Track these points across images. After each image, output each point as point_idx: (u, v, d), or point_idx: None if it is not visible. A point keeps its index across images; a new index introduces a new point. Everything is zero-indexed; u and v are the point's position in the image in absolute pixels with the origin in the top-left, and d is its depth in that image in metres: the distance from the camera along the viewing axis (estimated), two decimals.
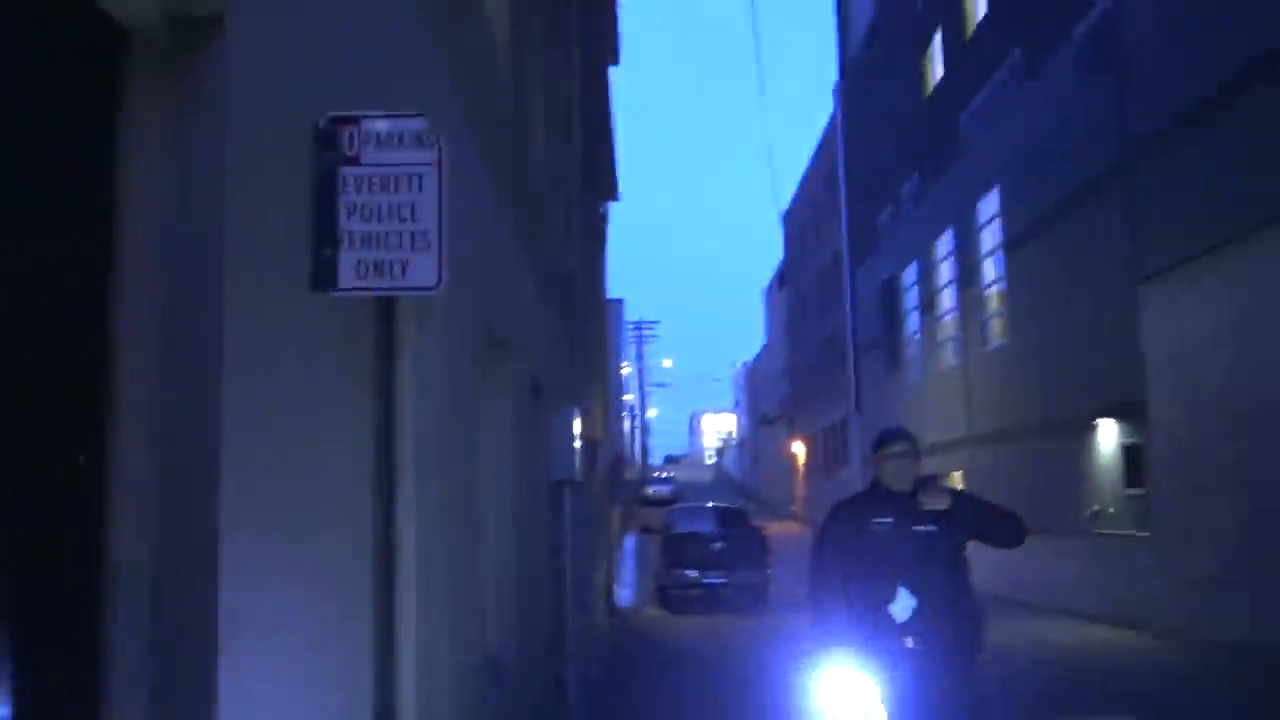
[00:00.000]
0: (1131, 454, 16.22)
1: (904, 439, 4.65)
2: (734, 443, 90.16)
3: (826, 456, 41.04)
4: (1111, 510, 16.75)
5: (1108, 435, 17.03)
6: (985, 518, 4.57)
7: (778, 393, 57.19)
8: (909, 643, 4.34)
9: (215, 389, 2.20)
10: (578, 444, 9.22)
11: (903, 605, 4.34)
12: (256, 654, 2.37)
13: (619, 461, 39.72)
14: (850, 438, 35.79)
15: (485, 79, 5.57)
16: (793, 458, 48.96)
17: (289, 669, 2.63)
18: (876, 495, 4.63)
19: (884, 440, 4.66)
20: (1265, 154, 12.14)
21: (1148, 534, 14.86)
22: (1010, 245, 20.86)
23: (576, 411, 9.36)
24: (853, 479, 34.99)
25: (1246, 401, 12.53)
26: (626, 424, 56.84)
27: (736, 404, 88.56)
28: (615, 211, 19.93)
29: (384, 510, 3.75)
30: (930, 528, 4.45)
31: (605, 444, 16.66)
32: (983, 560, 4.83)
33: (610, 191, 19.55)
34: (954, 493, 4.59)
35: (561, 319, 10.94)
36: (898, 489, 4.54)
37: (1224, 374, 13.02)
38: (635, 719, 9.00)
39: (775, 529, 28.42)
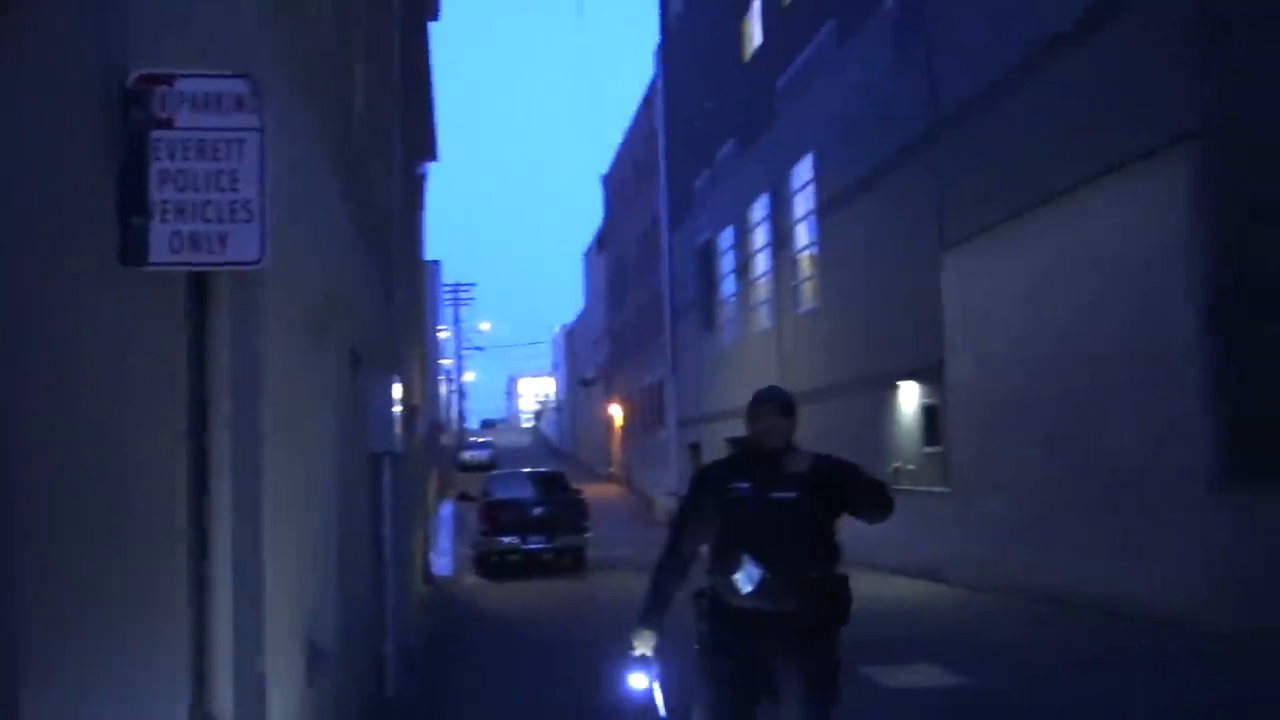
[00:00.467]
0: (931, 414, 17.05)
1: (779, 398, 4.34)
2: (552, 406, 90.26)
3: (644, 418, 41.54)
4: (912, 467, 17.59)
5: (909, 396, 17.84)
6: (850, 486, 4.28)
7: (596, 355, 57.48)
8: (749, 606, 4.11)
9: (10, 374, 1.95)
10: (398, 413, 8.94)
11: (746, 575, 4.08)
12: (59, 651, 2.15)
13: (436, 427, 39.07)
14: (667, 400, 36.31)
15: (308, 35, 5.23)
16: (610, 420, 49.38)
17: (94, 665, 2.40)
18: (743, 459, 4.35)
19: (758, 400, 4.35)
20: (1058, 127, 12.84)
21: (948, 489, 15.67)
22: (823, 211, 21.47)
23: (397, 379, 9.07)
24: (669, 441, 35.56)
25: (1031, 363, 13.32)
26: (443, 388, 55.96)
27: (555, 367, 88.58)
28: (433, 172, 19.43)
29: (198, 499, 3.49)
30: (789, 494, 4.14)
31: (423, 409, 16.29)
32: None
33: (429, 152, 19.00)
34: (817, 456, 4.28)
35: (380, 284, 10.56)
36: (768, 448, 4.22)
37: (1011, 337, 13.80)
38: (460, 697, 8.86)
39: (594, 491, 28.60)
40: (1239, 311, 10.13)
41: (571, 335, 70.94)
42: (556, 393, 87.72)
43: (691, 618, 4.34)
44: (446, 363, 59.28)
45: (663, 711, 4.23)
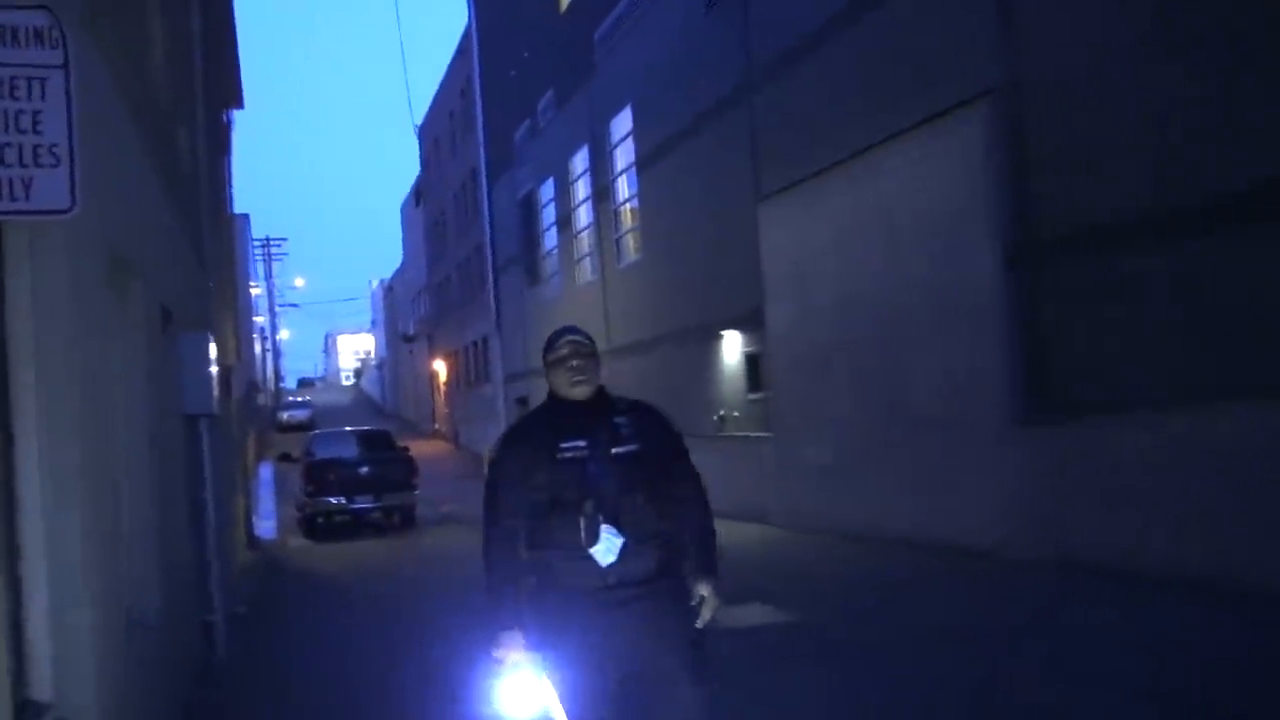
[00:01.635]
0: (752, 362, 17.53)
1: (576, 334, 3.78)
2: (373, 363, 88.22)
3: (469, 374, 41.14)
4: (736, 414, 18.08)
5: (732, 345, 18.28)
6: (675, 460, 3.84)
7: (417, 311, 56.42)
8: (611, 580, 3.56)
9: None
10: (214, 372, 8.57)
11: (607, 546, 3.55)
12: None
13: (252, 387, 37.61)
14: (491, 354, 36.04)
15: None
16: (434, 376, 48.70)
17: None
18: (559, 413, 3.74)
19: (553, 342, 3.78)
20: (866, 82, 13.29)
21: (769, 434, 16.17)
22: (642, 163, 21.60)
23: (210, 338, 8.68)
24: (495, 396, 35.37)
25: (843, 311, 13.86)
26: (258, 347, 53.87)
27: (374, 323, 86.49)
28: (241, 121, 18.51)
29: (2, 466, 3.27)
30: (632, 447, 3.67)
31: (238, 369, 15.67)
32: None
33: (234, 99, 18.10)
34: (635, 402, 3.90)
35: (189, 238, 10.04)
36: (578, 397, 3.70)
37: (824, 286, 14.30)
38: (290, 660, 8.66)
39: (420, 449, 28.23)
40: (1034, 259, 10.78)
41: (390, 290, 69.38)
42: (376, 349, 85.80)
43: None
44: (260, 320, 57.09)
45: (563, 716, 3.59)
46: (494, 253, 35.35)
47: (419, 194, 52.65)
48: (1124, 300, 9.76)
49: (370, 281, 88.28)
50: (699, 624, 3.73)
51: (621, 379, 23.58)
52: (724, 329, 18.27)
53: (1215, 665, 6.47)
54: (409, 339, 56.76)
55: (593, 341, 3.81)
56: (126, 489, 5.70)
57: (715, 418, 18.43)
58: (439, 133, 45.20)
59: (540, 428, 3.79)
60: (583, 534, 3.56)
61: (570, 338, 3.77)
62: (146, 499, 5.85)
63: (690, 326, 19.38)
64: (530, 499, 3.66)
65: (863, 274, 13.42)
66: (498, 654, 3.62)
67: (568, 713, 3.59)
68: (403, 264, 63.06)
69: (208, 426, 8.44)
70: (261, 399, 48.95)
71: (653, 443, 3.76)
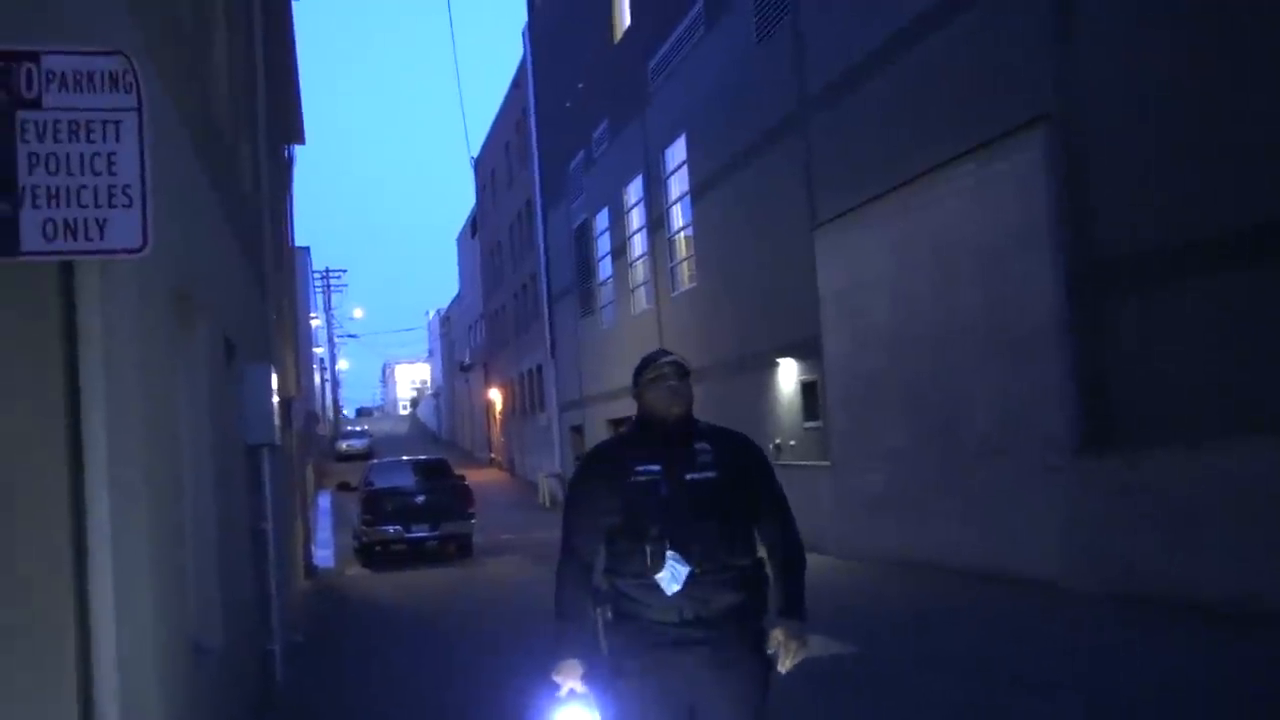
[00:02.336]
0: (809, 390, 17.42)
1: (670, 358, 3.69)
2: (429, 392, 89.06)
3: (523, 403, 41.35)
4: (793, 443, 17.96)
5: (788, 373, 18.19)
6: (762, 482, 3.71)
7: (473, 340, 56.91)
8: (686, 614, 3.47)
9: None
10: (275, 403, 8.71)
11: (672, 574, 3.45)
12: None
13: (312, 417, 38.17)
14: (546, 383, 36.21)
15: (162, 9, 5.01)
16: (490, 405, 49.00)
17: None
18: (642, 437, 3.67)
19: (646, 364, 3.70)
20: (920, 108, 13.23)
21: (827, 463, 16.05)
22: (696, 192, 21.66)
23: (272, 370, 8.83)
24: (550, 424, 35.49)
25: (899, 340, 13.74)
26: (317, 377, 54.66)
27: (431, 353, 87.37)
28: (301, 155, 18.93)
29: (75, 499, 3.34)
30: (710, 474, 3.55)
31: (299, 400, 15.90)
32: None
33: (296, 134, 18.48)
34: (719, 428, 3.80)
35: (251, 271, 10.24)
36: (676, 415, 3.61)
37: (881, 314, 14.19)
38: (348, 690, 8.71)
39: (476, 477, 28.37)
40: (1094, 285, 10.62)
41: (447, 321, 70.08)
42: (433, 379, 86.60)
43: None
44: (319, 351, 57.98)
45: None
46: (549, 282, 35.58)
47: (475, 225, 53.24)
48: (1187, 327, 9.56)
49: (427, 312, 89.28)
50: (782, 669, 3.61)
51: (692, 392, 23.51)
52: (780, 357, 18.18)
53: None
54: (465, 368, 57.23)
55: (688, 367, 3.73)
56: (191, 520, 5.80)
57: (771, 446, 18.32)
58: (495, 164, 45.72)
59: (619, 450, 3.73)
60: (648, 559, 3.47)
61: (670, 357, 3.71)
62: (211, 529, 5.94)
63: (746, 355, 19.33)
64: (605, 523, 3.60)
65: (918, 302, 13.30)
66: (556, 679, 3.57)
67: None
68: (459, 294, 63.70)
69: (269, 456, 8.55)
70: (320, 428, 49.62)
71: (734, 472, 3.61)
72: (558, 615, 3.63)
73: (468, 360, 56.90)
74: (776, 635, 3.62)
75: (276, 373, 11.75)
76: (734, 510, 3.58)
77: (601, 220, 29.51)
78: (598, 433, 29.33)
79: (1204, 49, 9.32)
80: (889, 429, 13.99)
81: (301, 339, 37.00)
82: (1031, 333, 11.21)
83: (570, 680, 3.56)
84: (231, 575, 6.70)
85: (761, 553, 3.73)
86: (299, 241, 26.37)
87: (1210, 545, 8.94)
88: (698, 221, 21.87)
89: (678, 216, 23.44)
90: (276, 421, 8.66)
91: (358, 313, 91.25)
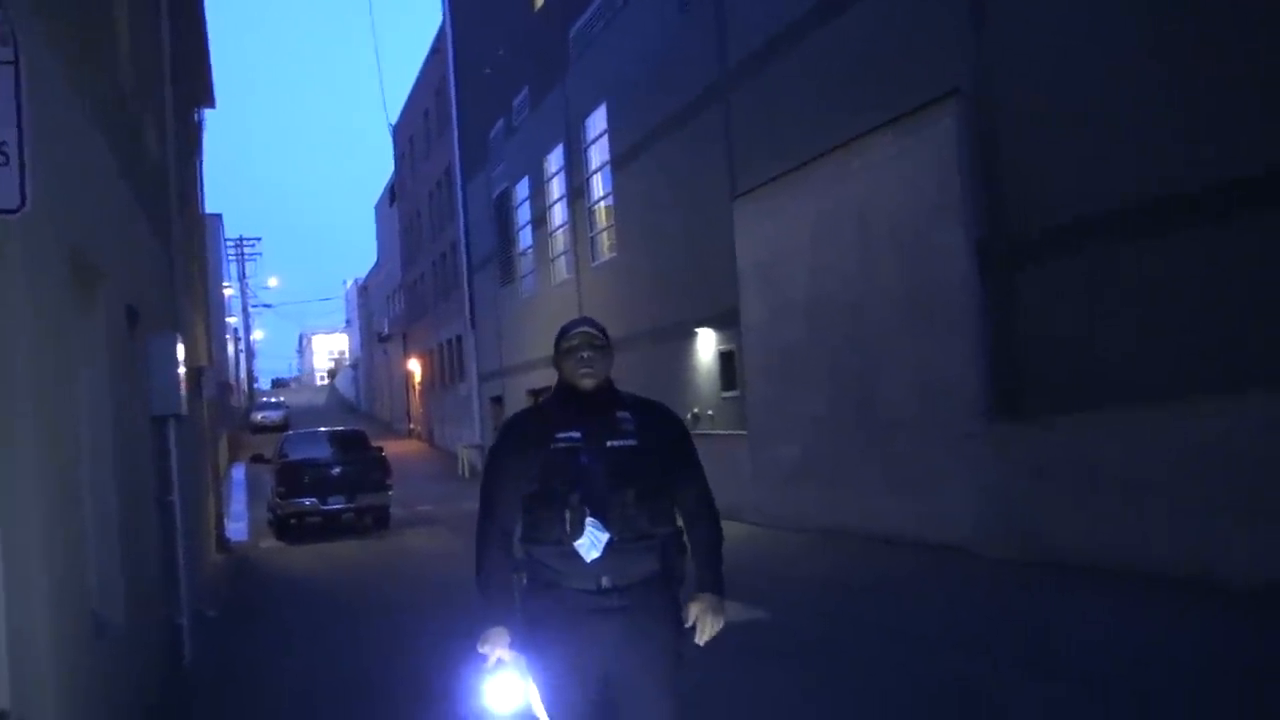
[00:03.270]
0: (727, 360, 17.54)
1: (590, 326, 3.63)
2: (347, 363, 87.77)
3: (443, 373, 40.99)
4: (711, 412, 18.08)
5: (707, 343, 18.27)
6: (679, 454, 3.67)
7: (392, 310, 56.17)
8: (604, 582, 3.46)
9: None
10: (181, 373, 8.48)
11: (591, 541, 3.43)
12: None
13: (225, 388, 37.34)
14: (466, 354, 35.92)
15: None
16: (409, 376, 48.48)
17: None
18: (562, 404, 3.63)
19: (565, 331, 3.65)
20: (838, 81, 13.32)
21: (744, 433, 16.18)
22: (617, 162, 21.58)
23: (178, 339, 8.59)
24: (469, 395, 35.25)
25: (815, 310, 13.88)
26: (231, 348, 53.47)
27: (348, 323, 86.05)
28: (212, 121, 18.35)
29: None
30: (630, 442, 3.53)
31: (210, 370, 15.51)
32: None
33: (205, 98, 17.93)
34: (637, 397, 3.74)
35: (157, 238, 9.93)
36: (585, 388, 3.58)
37: (798, 285, 14.31)
38: (259, 664, 8.58)
39: (395, 449, 28.07)
40: (1006, 256, 10.83)
41: (365, 290, 69.04)
42: (351, 349, 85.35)
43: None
44: (233, 320, 56.70)
45: (544, 717, 3.51)
46: (468, 252, 35.22)
47: (394, 193, 52.42)
48: (1096, 297, 9.82)
49: (345, 281, 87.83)
50: (699, 641, 3.65)
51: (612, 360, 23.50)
52: (699, 327, 18.26)
53: (1182, 662, 6.52)
54: (383, 338, 56.52)
55: (606, 335, 3.66)
56: (90, 492, 5.63)
57: (690, 415, 18.42)
58: (414, 131, 44.99)
59: (540, 417, 3.66)
60: (567, 526, 3.44)
61: (583, 329, 3.62)
62: (112, 501, 5.77)
63: (666, 325, 19.37)
64: (524, 490, 3.55)
65: (835, 272, 13.44)
66: (483, 649, 3.53)
67: (549, 714, 3.53)
68: (377, 263, 62.78)
69: (175, 427, 8.34)
70: (234, 400, 48.61)
71: (654, 441, 3.58)
72: (479, 584, 3.58)
73: (386, 330, 56.19)
74: (694, 607, 3.64)
75: (184, 342, 11.44)
76: (653, 479, 3.55)
77: (522, 189, 29.26)
78: (517, 403, 29.17)
79: (1108, 25, 9.51)
80: (808, 398, 14.14)
81: (214, 308, 36.14)
82: (946, 303, 11.41)
83: (497, 649, 3.52)
84: (134, 548, 6.54)
85: (680, 522, 3.72)
86: (210, 209, 25.66)
87: (1117, 509, 9.22)
88: (618, 191, 21.80)
89: (598, 186, 23.34)
90: (183, 392, 8.43)
91: (272, 281, 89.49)
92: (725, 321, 16.97)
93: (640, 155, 20.13)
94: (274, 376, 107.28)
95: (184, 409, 8.38)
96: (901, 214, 12.10)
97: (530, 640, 3.55)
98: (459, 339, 37.31)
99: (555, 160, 26.05)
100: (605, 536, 3.43)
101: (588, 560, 3.45)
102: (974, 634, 7.75)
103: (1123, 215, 9.44)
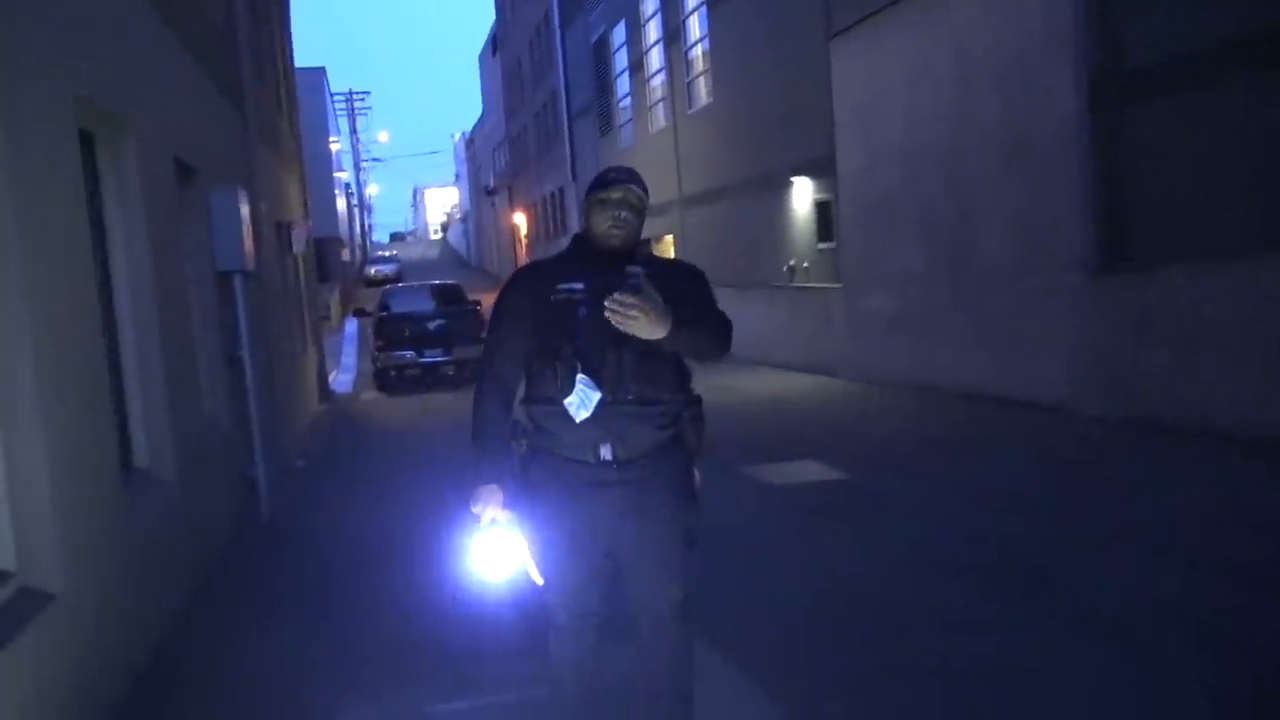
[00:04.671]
0: (823, 210, 16.89)
1: (631, 183, 3.26)
2: (458, 217, 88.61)
3: (548, 227, 40.92)
4: (807, 265, 17.55)
5: (803, 192, 17.61)
6: (699, 301, 3.30)
7: (497, 163, 56.04)
8: (603, 453, 3.19)
9: None
10: (246, 228, 8.41)
11: (581, 399, 3.15)
12: None
13: (333, 242, 38.01)
14: (568, 206, 35.67)
15: None
16: (514, 229, 48.59)
17: None
18: (575, 255, 3.35)
19: (603, 182, 3.29)
20: None
21: (839, 285, 15.68)
22: (712, 1, 20.60)
23: (241, 193, 8.49)
24: None
25: (912, 156, 13.11)
26: (342, 203, 54.29)
27: (458, 177, 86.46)
28: None
29: None
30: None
31: (301, 225, 15.58)
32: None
33: None
34: (661, 258, 3.41)
35: (226, 95, 9.80)
36: (612, 246, 3.25)
37: (894, 129, 13.51)
38: (337, 516, 8.72)
39: None
40: (1116, 96, 9.93)
41: (472, 143, 68.98)
42: (460, 203, 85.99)
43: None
44: (343, 176, 57.38)
45: (539, 579, 3.32)
46: (568, 101, 34.58)
47: (495, 42, 51.60)
48: (1209, 141, 8.95)
49: (452, 135, 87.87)
50: (607, 305, 3.03)
51: (693, 228, 23.10)
52: (795, 175, 17.58)
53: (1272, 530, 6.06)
54: (490, 192, 56.62)
55: (647, 196, 3.31)
56: (131, 347, 5.61)
57: (785, 268, 17.94)
58: None
59: (548, 268, 3.39)
60: (557, 381, 3.15)
61: (629, 185, 3.25)
62: (155, 357, 5.75)
63: (761, 174, 18.72)
64: (526, 344, 3.27)
65: (932, 115, 12.62)
66: (475, 508, 3.29)
67: (544, 578, 3.34)
68: (482, 116, 62.42)
69: (243, 283, 8.32)
70: (346, 254, 49.58)
71: (666, 297, 3.08)
72: (475, 439, 3.34)
73: (492, 184, 56.21)
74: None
75: (264, 197, 11.44)
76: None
77: (619, 34, 28.36)
78: None
79: None
80: (901, 248, 13.53)
81: (319, 161, 36.48)
82: (1047, 147, 10.60)
83: (491, 508, 3.29)
84: (190, 405, 6.57)
85: (696, 391, 3.39)
86: (313, 62, 25.51)
87: (1223, 368, 8.60)
88: (714, 33, 20.88)
89: (694, 28, 22.39)
90: (249, 247, 8.37)
91: (383, 136, 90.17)
92: (822, 169, 16.27)
93: None
94: (392, 231, 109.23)
95: (250, 264, 8.34)
96: (1004, 48, 11.18)
97: (527, 506, 3.32)
98: (561, 191, 37.04)
99: (651, 2, 25.05)
100: (596, 395, 3.13)
101: (577, 420, 3.15)
102: (1059, 493, 7.36)
103: (1247, 47, 8.49)
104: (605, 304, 3.00)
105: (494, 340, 3.38)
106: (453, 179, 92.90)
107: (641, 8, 25.75)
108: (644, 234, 3.39)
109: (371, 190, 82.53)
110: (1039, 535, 6.43)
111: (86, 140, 5.33)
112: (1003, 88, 11.25)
